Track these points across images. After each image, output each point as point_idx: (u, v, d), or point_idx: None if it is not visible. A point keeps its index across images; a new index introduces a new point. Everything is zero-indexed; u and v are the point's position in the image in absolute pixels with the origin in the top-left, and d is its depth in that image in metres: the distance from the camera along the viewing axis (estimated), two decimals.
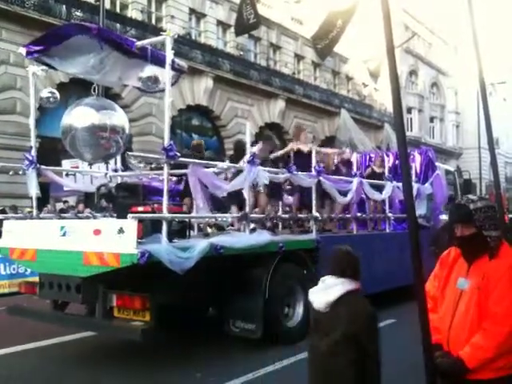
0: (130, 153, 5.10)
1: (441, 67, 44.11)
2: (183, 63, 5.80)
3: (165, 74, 5.41)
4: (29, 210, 12.19)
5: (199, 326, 7.08)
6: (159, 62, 5.51)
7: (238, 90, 23.54)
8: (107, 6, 18.01)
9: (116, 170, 6.87)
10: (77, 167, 11.99)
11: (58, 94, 6.08)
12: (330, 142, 26.40)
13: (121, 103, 18.88)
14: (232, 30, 22.25)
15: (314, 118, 28.27)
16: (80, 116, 5.53)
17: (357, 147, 24.30)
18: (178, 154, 5.16)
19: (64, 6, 17.42)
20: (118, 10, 20.24)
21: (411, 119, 38.58)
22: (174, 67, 5.54)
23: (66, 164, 13.38)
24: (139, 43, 5.50)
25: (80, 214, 7.19)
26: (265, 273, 6.14)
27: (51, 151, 16.71)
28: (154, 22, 21.42)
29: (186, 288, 5.73)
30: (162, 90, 5.98)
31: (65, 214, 6.82)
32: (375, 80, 30.53)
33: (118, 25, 18.76)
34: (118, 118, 5.69)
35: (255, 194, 6.71)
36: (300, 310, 6.62)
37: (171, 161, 5.13)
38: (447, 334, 2.54)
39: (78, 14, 17.86)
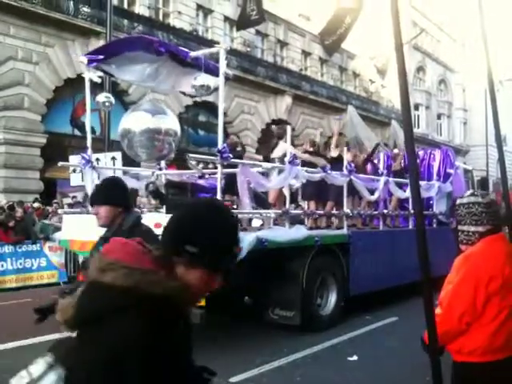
0: (190, 155, 5.91)
1: (449, 64, 44.94)
2: (229, 71, 6.64)
3: (212, 81, 6.28)
4: (37, 205, 13.09)
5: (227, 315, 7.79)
6: (209, 70, 6.36)
7: (244, 87, 24.18)
8: (115, 1, 18.53)
9: (161, 169, 7.71)
10: None
11: (112, 99, 6.88)
12: None
13: (128, 99, 19.60)
14: None
15: (320, 115, 29.04)
16: (137, 120, 6.35)
17: (363, 144, 25.08)
18: (231, 156, 6.01)
19: (72, 2, 17.87)
20: (125, 5, 20.94)
21: (418, 116, 39.45)
22: None
23: (74, 159, 14.22)
24: (193, 54, 6.34)
25: None
26: (302, 265, 7.01)
27: (58, 147, 17.39)
28: (161, 17, 22.19)
29: (233, 277, 6.56)
30: (207, 95, 6.87)
31: None
32: (382, 77, 31.53)
33: (125, 21, 19.42)
34: (170, 122, 6.52)
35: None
36: (333, 299, 7.53)
37: (225, 162, 5.97)
38: None
39: (85, 9, 18.34)
